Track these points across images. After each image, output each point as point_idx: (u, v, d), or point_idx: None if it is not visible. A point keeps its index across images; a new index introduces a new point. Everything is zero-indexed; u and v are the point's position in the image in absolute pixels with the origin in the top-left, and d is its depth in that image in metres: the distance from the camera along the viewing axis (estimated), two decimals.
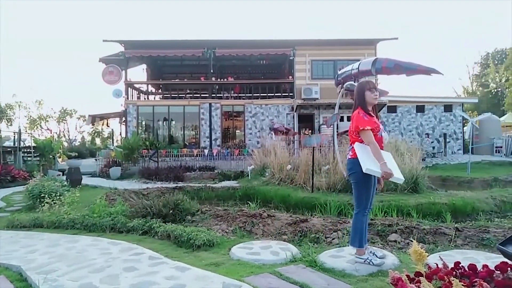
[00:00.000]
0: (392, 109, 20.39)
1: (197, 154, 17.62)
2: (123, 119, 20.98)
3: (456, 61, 73.02)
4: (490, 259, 3.54)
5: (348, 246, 4.32)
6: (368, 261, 3.55)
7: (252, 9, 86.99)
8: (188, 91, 22.06)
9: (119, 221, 5.52)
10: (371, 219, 5.39)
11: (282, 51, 20.10)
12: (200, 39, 20.54)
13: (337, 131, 12.98)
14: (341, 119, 19.13)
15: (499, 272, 2.54)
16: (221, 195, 9.92)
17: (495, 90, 46.31)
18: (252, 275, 3.34)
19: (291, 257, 3.89)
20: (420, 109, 20.49)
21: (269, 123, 19.41)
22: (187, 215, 5.97)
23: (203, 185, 10.74)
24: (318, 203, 7.33)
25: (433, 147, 19.99)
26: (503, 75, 43.90)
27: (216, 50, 20.13)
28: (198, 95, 21.06)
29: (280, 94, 20.79)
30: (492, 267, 2.58)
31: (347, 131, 13.68)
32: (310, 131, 20.24)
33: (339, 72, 10.72)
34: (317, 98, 19.41)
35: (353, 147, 3.63)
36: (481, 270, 2.61)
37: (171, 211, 5.85)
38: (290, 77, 20.86)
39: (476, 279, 2.44)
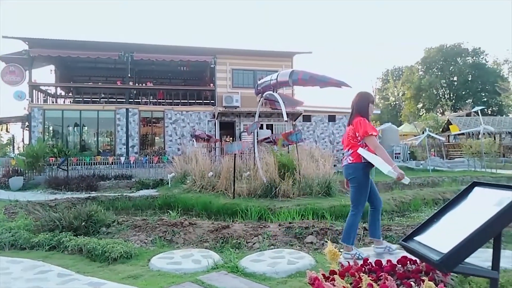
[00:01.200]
0: (307, 118, 21.59)
1: (112, 162, 16.63)
2: (26, 124, 18.95)
3: (363, 75, 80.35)
4: (393, 255, 3.94)
5: (267, 250, 4.47)
6: (358, 255, 3.68)
7: (174, 15, 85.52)
8: (103, 96, 20.78)
9: (21, 236, 4.96)
10: (289, 223, 5.64)
11: (203, 59, 20.08)
12: (117, 42, 19.56)
13: (257, 139, 13.32)
14: (261, 127, 19.71)
15: (400, 265, 2.86)
16: (139, 204, 9.50)
17: (394, 103, 51.90)
18: (173, 285, 3.27)
19: (213, 264, 3.89)
20: (332, 118, 22.04)
21: (190, 130, 19.18)
22: (102, 226, 5.61)
23: (119, 194, 10.18)
24: (239, 209, 7.44)
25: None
26: (400, 90, 49.39)
27: (134, 54, 19.35)
28: (114, 99, 19.97)
29: (201, 101, 20.71)
30: (394, 262, 2.90)
31: (266, 138, 14.18)
32: (231, 138, 20.46)
33: (259, 82, 11.08)
34: (238, 106, 19.74)
35: (353, 152, 3.78)
36: (386, 265, 2.92)
37: (83, 223, 5.44)
38: (212, 84, 20.92)
39: (381, 273, 2.71)
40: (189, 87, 21.88)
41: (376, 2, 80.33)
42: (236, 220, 6.42)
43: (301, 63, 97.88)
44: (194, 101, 20.52)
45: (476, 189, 1.86)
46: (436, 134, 23.16)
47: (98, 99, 20.28)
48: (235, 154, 8.87)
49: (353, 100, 4.00)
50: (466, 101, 42.13)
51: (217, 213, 7.91)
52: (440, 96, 46.21)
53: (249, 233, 5.24)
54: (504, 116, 34.33)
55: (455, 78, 45.36)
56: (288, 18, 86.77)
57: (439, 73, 45.26)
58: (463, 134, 24.12)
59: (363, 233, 5.02)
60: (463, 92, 44.48)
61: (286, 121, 9.13)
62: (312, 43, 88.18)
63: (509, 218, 1.56)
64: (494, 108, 41.69)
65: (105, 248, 4.28)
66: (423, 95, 45.56)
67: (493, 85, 38.88)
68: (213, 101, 20.50)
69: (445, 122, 28.87)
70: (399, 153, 21.64)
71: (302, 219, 6.36)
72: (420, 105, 47.34)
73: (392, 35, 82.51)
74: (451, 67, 44.72)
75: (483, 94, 42.89)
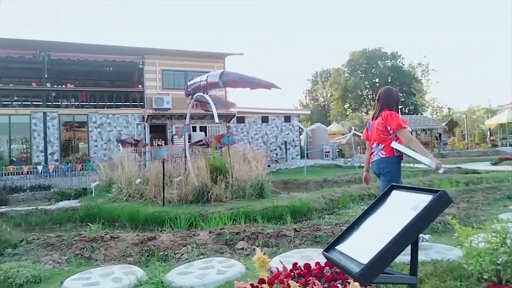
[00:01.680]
0: (240, 119, 21.62)
1: (28, 172, 15.07)
2: None
3: (294, 77, 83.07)
4: (321, 255, 3.96)
5: (196, 260, 4.25)
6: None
7: (99, 13, 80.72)
8: (16, 98, 18.78)
9: None
10: (220, 229, 5.46)
11: (130, 59, 19.11)
12: (31, 39, 17.80)
13: (189, 142, 12.92)
14: (194, 129, 19.29)
15: (328, 268, 2.84)
16: (57, 218, 8.64)
17: (323, 103, 54.29)
18: None
19: (136, 281, 3.57)
20: (265, 119, 22.34)
21: (117, 134, 18.12)
22: (7, 248, 4.93)
23: (34, 208, 9.17)
24: (168, 217, 7.08)
25: (277, 154, 22.02)
26: (328, 91, 51.81)
27: (51, 52, 17.77)
28: (29, 103, 18.16)
29: (129, 104, 19.67)
30: (323, 263, 2.87)
31: (199, 141, 13.84)
32: (163, 141, 19.73)
33: (189, 83, 10.75)
34: (169, 108, 19.11)
35: (385, 146, 3.74)
36: (314, 267, 2.88)
37: None
38: (140, 86, 19.99)
39: (310, 278, 2.66)
40: (116, 89, 20.68)
41: (305, 6, 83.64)
42: (164, 230, 6.07)
43: (234, 65, 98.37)
44: (121, 103, 19.43)
45: (394, 193, 1.82)
46: (361, 132, 24.60)
47: (10, 102, 18.28)
48: (164, 159, 8.46)
49: (380, 94, 3.99)
50: None
51: (145, 223, 7.46)
52: (365, 96, 49.34)
53: (178, 243, 4.96)
54: (419, 114, 37.64)
55: (377, 80, 48.74)
56: (220, 19, 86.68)
57: (363, 75, 48.31)
58: None
59: (294, 235, 5.02)
60: None
61: (217, 123, 8.95)
62: (244, 45, 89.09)
63: (426, 222, 1.52)
64: (410, 108, 45.52)
65: (8, 274, 3.74)
66: (350, 95, 48.29)
67: (409, 86, 42.49)
68: (142, 103, 19.60)
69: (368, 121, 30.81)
70: (329, 152, 22.59)
71: (234, 224, 6.21)
72: (347, 105, 50.09)
73: (321, 38, 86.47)
74: (373, 69, 47.98)
75: (401, 95, 46.61)
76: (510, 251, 2.83)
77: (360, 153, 24.12)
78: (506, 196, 7.45)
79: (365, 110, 46.18)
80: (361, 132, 25.06)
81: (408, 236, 1.44)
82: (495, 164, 15.46)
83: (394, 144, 3.73)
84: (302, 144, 21.22)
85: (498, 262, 2.89)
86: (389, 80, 47.43)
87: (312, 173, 15.94)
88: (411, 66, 49.23)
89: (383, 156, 3.82)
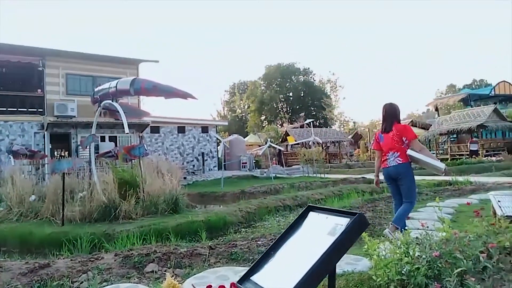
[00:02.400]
0: (155, 129, 20.72)
1: None
2: None
3: (213, 88, 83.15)
4: (238, 274, 3.77)
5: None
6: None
7: None
8: None
9: None
10: (128, 250, 4.99)
11: (28, 60, 17.09)
12: None
13: (96, 153, 11.87)
14: (102, 139, 17.91)
15: None
16: None
17: (241, 115, 55.12)
18: None
19: None
20: (181, 130, 21.74)
21: (8, 144, 15.95)
22: None
23: None
24: (67, 239, 6.29)
25: (194, 165, 21.54)
26: (246, 103, 52.78)
27: None
28: None
29: (26, 110, 17.52)
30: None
31: (108, 152, 12.80)
32: (66, 152, 17.91)
33: (96, 89, 9.93)
34: (74, 116, 17.47)
35: (400, 154, 4.49)
36: None
37: None
38: (40, 90, 17.98)
39: None
40: (9, 93, 18.27)
41: (223, 18, 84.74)
42: (62, 255, 5.34)
43: (149, 72, 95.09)
44: (15, 109, 17.22)
45: (311, 214, 1.71)
46: (276, 144, 25.37)
47: None
48: (64, 173, 7.57)
49: (387, 110, 4.72)
50: (300, 114, 47.83)
51: (40, 247, 6.53)
52: (280, 109, 51.33)
53: (76, 269, 4.36)
54: (328, 127, 40.30)
55: (290, 94, 51.12)
56: (137, 26, 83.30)
57: (278, 88, 50.29)
58: (298, 143, 27.13)
59: (209, 253, 4.78)
60: (298, 106, 50.46)
61: (127, 133, 8.32)
62: (160, 53, 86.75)
63: (344, 248, 1.41)
64: (321, 121, 48.55)
65: None
66: (266, 108, 49.81)
67: (320, 101, 45.36)
68: (41, 110, 17.60)
69: (284, 133, 32.03)
70: (246, 163, 22.80)
71: (144, 244, 5.74)
72: (263, 117, 51.55)
73: (239, 50, 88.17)
74: (288, 84, 50.26)
75: (313, 109, 49.54)
76: (413, 261, 2.96)
77: (275, 163, 24.85)
78: None
79: (280, 122, 48.00)
80: (276, 144, 25.71)
81: (326, 266, 1.33)
82: None
83: (411, 152, 4.45)
84: (219, 155, 21.09)
85: (403, 272, 3.02)
86: (302, 95, 50.11)
87: (229, 185, 15.84)
88: (321, 82, 52.71)
89: (400, 162, 4.54)
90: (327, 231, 1.45)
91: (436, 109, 34.75)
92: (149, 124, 19.28)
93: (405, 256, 3.08)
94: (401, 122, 4.76)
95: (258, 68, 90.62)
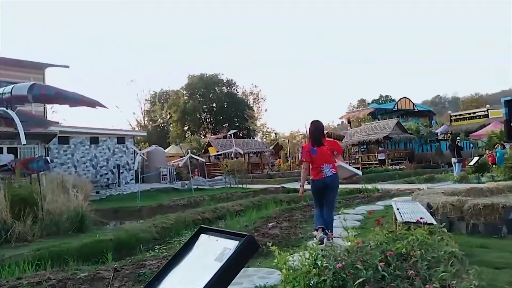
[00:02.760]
0: (64, 140, 18.98)
1: None
2: None
3: (132, 96, 79.48)
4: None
5: None
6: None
7: None
8: None
9: None
10: (17, 279, 4.33)
11: None
12: None
13: None
14: (0, 151, 15.87)
15: None
16: None
17: (162, 125, 53.48)
18: None
19: None
20: (94, 140, 20.24)
21: None
22: None
23: None
24: None
25: (108, 178, 20.14)
26: (168, 113, 51.37)
27: None
28: None
29: None
30: None
31: (3, 165, 11.30)
32: None
33: None
34: None
35: (333, 165, 5.04)
36: None
37: None
38: None
39: None
40: None
41: (143, 22, 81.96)
42: None
43: (58, 78, 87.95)
44: None
45: (202, 237, 1.54)
46: (198, 155, 24.95)
47: None
48: None
49: (316, 126, 5.24)
50: (223, 125, 47.91)
51: None
52: (203, 120, 50.86)
53: None
54: (251, 138, 40.93)
55: (214, 104, 51.02)
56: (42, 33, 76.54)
57: (201, 99, 49.86)
58: (221, 154, 27.01)
59: (113, 276, 4.35)
60: (221, 117, 50.52)
61: (24, 144, 7.41)
62: (73, 59, 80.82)
63: (232, 275, 1.26)
64: (244, 132, 49.16)
65: None
66: (188, 118, 48.96)
67: (243, 112, 45.96)
68: None
69: (206, 143, 31.68)
70: (166, 175, 22.00)
71: (38, 270, 5.05)
72: (186, 128, 50.58)
73: (161, 59, 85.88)
74: (211, 94, 50.12)
75: (236, 120, 49.98)
76: (320, 272, 2.96)
77: (198, 175, 24.39)
78: None
79: (204, 133, 47.54)
80: (198, 155, 25.26)
81: None
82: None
83: (341, 163, 5.36)
84: (136, 168, 20.05)
85: (311, 284, 3.01)
86: (225, 106, 50.33)
87: (147, 199, 15.06)
88: (245, 94, 53.55)
89: (335, 172, 5.05)
90: (215, 256, 1.30)
91: (349, 122, 37.38)
92: (56, 134, 17.58)
93: (313, 268, 3.09)
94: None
95: (180, 77, 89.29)
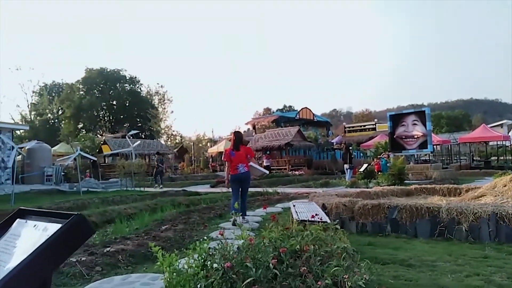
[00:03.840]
0: None
1: None
2: None
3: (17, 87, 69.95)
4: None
5: None
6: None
7: None
8: None
9: None
10: None
11: None
12: None
13: None
14: None
15: None
16: None
17: (52, 121, 48.04)
18: None
19: None
20: None
21: None
22: None
23: None
24: None
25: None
26: (59, 108, 46.37)
27: None
28: None
29: None
30: None
31: None
32: None
33: None
34: None
35: (246, 165, 6.91)
36: None
37: None
38: None
39: None
40: None
41: (38, 14, 73.19)
42: None
43: None
44: None
45: (18, 222, 1.05)
46: (92, 155, 22.80)
47: None
48: None
49: (236, 136, 7.17)
50: (124, 125, 45.00)
51: None
52: (101, 117, 47.12)
53: None
54: (154, 140, 39.09)
55: (114, 102, 47.68)
56: None
57: (100, 95, 46.18)
58: (117, 155, 25.13)
59: None
60: (122, 116, 47.43)
61: None
62: None
63: (47, 266, 0.80)
64: (147, 133, 46.86)
65: None
66: (84, 115, 44.91)
67: (146, 112, 43.75)
68: None
69: (102, 142, 29.24)
70: (52, 175, 19.55)
71: None
72: (80, 125, 46.26)
73: (54, 48, 77.48)
74: (111, 91, 46.75)
75: (139, 120, 47.42)
76: (210, 274, 2.61)
77: (90, 176, 22.22)
78: (218, 215, 8.13)
79: (101, 132, 44.00)
80: (92, 154, 23.09)
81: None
82: (213, 186, 17.48)
83: (253, 164, 7.29)
84: (10, 165, 17.34)
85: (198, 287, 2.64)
86: (127, 104, 47.43)
87: (24, 201, 13.03)
88: (149, 94, 51.18)
89: (246, 170, 6.91)
90: (32, 242, 0.87)
91: (254, 128, 38.27)
92: None
93: (201, 270, 2.73)
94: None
95: (77, 70, 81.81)
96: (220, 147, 35.24)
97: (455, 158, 28.88)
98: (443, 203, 5.70)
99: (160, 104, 50.11)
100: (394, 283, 3.24)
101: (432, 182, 13.43)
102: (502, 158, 26.34)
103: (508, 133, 31.60)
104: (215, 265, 2.65)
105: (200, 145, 42.60)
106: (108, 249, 4.76)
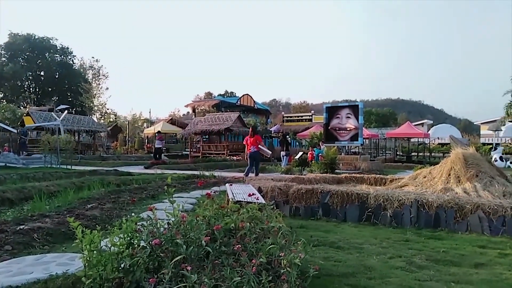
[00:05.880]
0: None
1: None
2: None
3: None
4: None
5: None
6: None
7: None
8: None
9: None
10: None
11: None
12: None
13: None
14: None
15: None
16: None
17: None
18: None
19: None
20: None
21: None
22: None
23: None
24: None
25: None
26: None
27: None
28: None
29: None
30: None
31: None
32: None
33: None
34: None
35: (256, 146, 10.84)
36: None
37: None
38: None
39: None
40: None
41: None
42: None
43: None
44: None
45: None
46: (13, 127, 20.71)
47: None
48: None
49: (252, 129, 11.41)
50: (52, 98, 41.53)
51: None
52: (25, 88, 42.94)
53: None
54: (86, 116, 36.57)
55: (42, 73, 43.71)
56: None
57: (26, 64, 42.01)
58: (42, 128, 23.11)
59: None
60: (50, 89, 43.69)
61: None
62: None
63: None
64: (78, 109, 43.73)
65: None
66: (6, 84, 40.56)
67: (78, 86, 40.69)
68: None
69: (25, 114, 26.66)
70: None
71: None
72: (1, 95, 41.77)
73: None
74: (39, 61, 42.77)
75: (69, 94, 44.03)
76: (136, 253, 2.41)
77: (9, 150, 20.18)
78: (150, 196, 7.80)
79: (24, 104, 40.12)
80: (12, 127, 20.96)
81: None
82: (147, 167, 16.81)
83: (261, 147, 11.26)
84: None
85: (121, 267, 2.43)
86: (57, 76, 43.78)
87: None
88: (83, 67, 47.63)
89: (256, 150, 10.78)
90: None
91: (194, 111, 37.49)
92: None
93: (127, 248, 2.51)
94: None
95: None
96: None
97: (381, 151, 30.91)
98: (371, 190, 5.98)
99: (94, 79, 46.89)
100: (325, 263, 3.30)
101: (361, 172, 14.20)
102: (421, 154, 28.77)
103: (428, 131, 34.75)
104: (142, 243, 2.46)
105: (136, 125, 40.81)
106: (22, 227, 4.29)
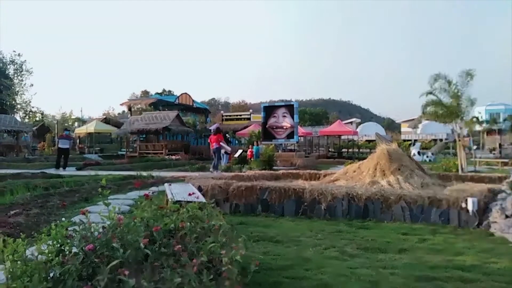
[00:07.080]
0: None
1: None
2: None
3: None
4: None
5: None
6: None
7: None
8: None
9: None
10: None
11: None
12: None
13: None
14: None
15: None
16: None
17: None
18: None
19: None
20: None
21: None
22: None
23: None
24: None
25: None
26: None
27: None
28: None
29: None
30: None
31: None
32: None
33: None
34: None
35: (216, 143, 12.75)
36: None
37: None
38: None
39: None
40: None
41: None
42: None
43: None
44: None
45: None
46: None
47: None
48: None
49: (216, 127, 14.68)
50: None
51: None
52: None
53: None
54: (8, 115, 33.28)
55: None
56: None
57: None
58: None
59: None
60: None
61: None
62: None
63: None
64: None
65: None
66: None
67: None
68: None
69: None
70: None
71: None
72: None
73: None
74: None
75: None
76: (67, 260, 2.28)
77: None
78: (83, 199, 7.38)
79: None
80: None
81: None
82: (79, 169, 15.82)
83: (222, 143, 13.38)
84: None
85: (50, 277, 2.28)
86: None
87: None
88: (2, 61, 43.23)
89: (217, 146, 12.77)
90: None
91: (129, 109, 35.94)
92: None
93: (56, 256, 2.37)
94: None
95: None
96: (90, 127, 32.15)
97: (315, 148, 32.29)
98: (307, 185, 6.25)
99: (16, 75, 42.85)
100: (264, 258, 3.40)
101: (297, 168, 14.74)
102: (351, 150, 30.60)
103: (356, 129, 37.09)
104: (74, 249, 2.33)
105: (66, 124, 38.11)
106: None
